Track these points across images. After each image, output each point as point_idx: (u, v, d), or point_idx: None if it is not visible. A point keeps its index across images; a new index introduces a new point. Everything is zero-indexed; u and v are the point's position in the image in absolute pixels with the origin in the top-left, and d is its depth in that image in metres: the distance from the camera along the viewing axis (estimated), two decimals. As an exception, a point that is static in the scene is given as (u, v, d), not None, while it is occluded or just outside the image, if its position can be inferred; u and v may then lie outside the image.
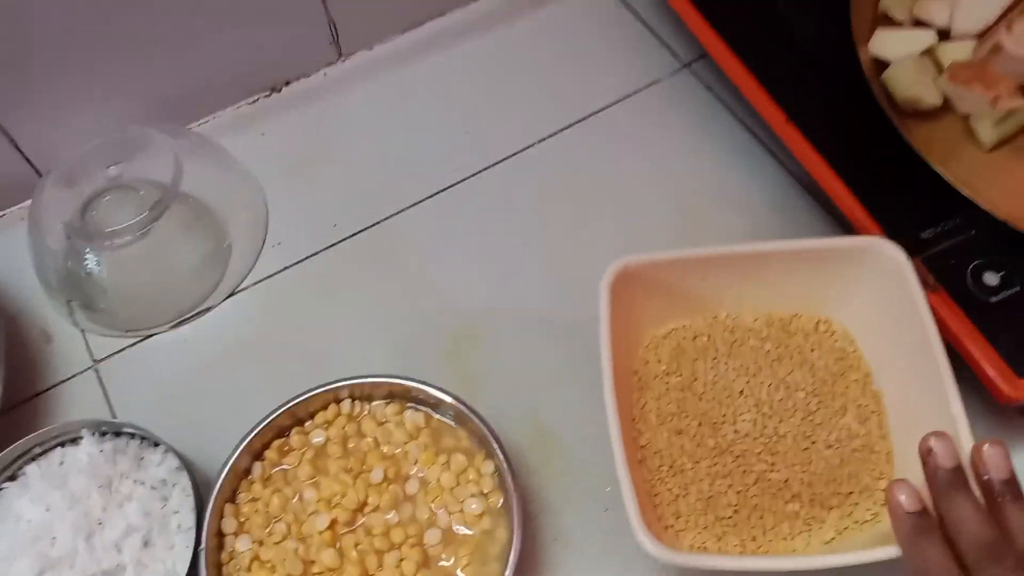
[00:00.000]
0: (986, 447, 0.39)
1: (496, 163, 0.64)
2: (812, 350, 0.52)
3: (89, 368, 0.56)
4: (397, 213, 0.62)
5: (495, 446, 0.47)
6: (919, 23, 0.57)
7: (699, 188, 0.62)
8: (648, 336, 0.53)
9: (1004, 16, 0.54)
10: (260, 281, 0.60)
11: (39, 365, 0.56)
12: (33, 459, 0.49)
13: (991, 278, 0.50)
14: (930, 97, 0.54)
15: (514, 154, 0.64)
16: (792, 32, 0.61)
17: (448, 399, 0.49)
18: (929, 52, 0.55)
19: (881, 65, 0.55)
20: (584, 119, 0.65)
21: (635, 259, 0.50)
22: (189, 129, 0.66)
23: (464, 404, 0.49)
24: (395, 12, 0.69)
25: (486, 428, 0.48)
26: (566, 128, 0.65)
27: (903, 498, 0.39)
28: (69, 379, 0.56)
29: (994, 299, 0.50)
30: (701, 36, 0.62)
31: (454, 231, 0.61)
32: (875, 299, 0.51)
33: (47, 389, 0.55)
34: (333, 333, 0.57)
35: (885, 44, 0.56)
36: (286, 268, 0.60)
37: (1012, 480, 0.38)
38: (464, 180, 0.63)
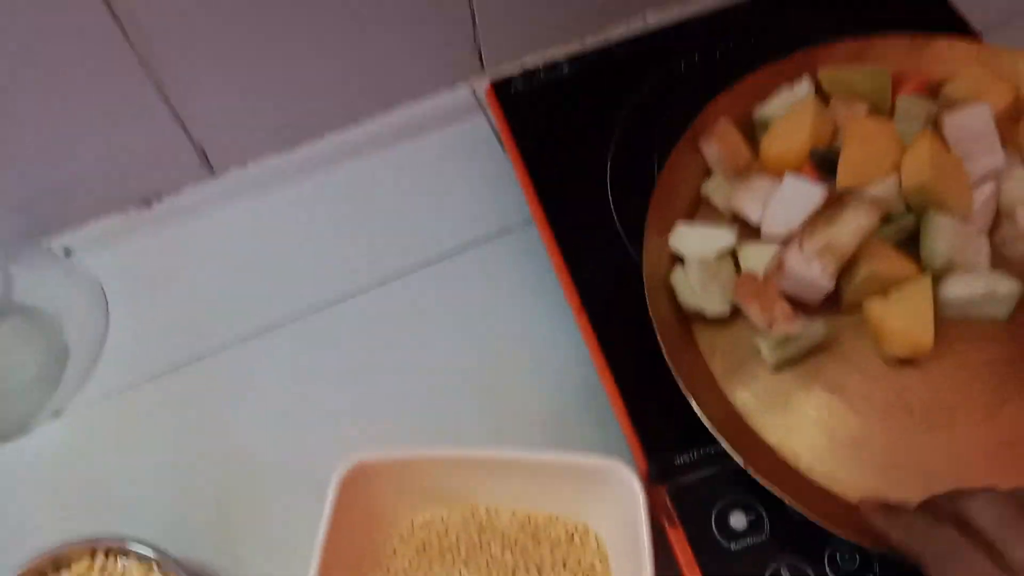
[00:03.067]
0: None
1: (322, 308, 0.64)
2: (554, 566, 0.50)
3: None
4: (226, 348, 0.63)
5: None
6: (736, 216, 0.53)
7: (515, 357, 0.59)
8: (405, 522, 0.52)
9: (806, 226, 0.49)
10: (86, 406, 0.62)
11: None
12: None
13: (738, 520, 0.47)
14: (714, 306, 0.50)
15: (345, 299, 0.64)
16: (613, 210, 0.58)
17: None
18: (733, 252, 0.51)
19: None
20: (428, 266, 0.64)
21: (370, 457, 0.49)
22: (39, 242, 0.69)
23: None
24: (267, 133, 0.70)
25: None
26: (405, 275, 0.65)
27: None
28: None
29: (734, 546, 0.46)
30: (526, 194, 0.60)
31: (272, 375, 0.61)
32: (620, 522, 0.48)
33: None
34: (139, 478, 0.58)
35: (683, 239, 0.52)
36: (109, 398, 0.62)
37: None
38: (288, 324, 0.63)
